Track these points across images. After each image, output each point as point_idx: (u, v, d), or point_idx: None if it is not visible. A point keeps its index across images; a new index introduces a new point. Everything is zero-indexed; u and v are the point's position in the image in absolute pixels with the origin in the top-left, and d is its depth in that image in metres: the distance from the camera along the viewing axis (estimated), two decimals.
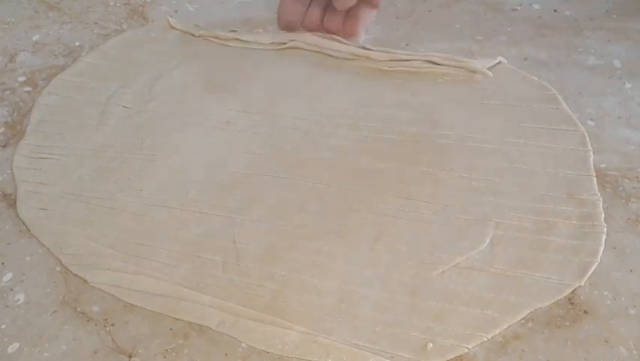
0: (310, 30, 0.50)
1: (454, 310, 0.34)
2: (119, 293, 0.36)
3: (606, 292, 0.35)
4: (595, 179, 0.40)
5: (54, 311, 0.35)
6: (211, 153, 0.43)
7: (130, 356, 0.33)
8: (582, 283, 0.35)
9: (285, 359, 0.33)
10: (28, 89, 0.49)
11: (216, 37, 0.52)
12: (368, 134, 0.44)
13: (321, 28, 0.50)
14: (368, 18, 0.50)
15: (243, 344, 0.34)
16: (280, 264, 0.37)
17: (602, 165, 0.42)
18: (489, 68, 0.47)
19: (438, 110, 0.45)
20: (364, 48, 0.49)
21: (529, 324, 0.34)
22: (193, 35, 0.53)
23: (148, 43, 0.53)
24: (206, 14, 0.56)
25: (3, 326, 0.35)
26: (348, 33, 0.50)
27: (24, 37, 0.54)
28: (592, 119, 0.45)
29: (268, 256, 0.37)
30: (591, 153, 0.42)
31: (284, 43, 0.51)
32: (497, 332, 0.34)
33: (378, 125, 0.45)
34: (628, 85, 0.47)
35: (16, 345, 0.34)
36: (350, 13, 0.49)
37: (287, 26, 0.51)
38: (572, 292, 0.35)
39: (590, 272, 0.36)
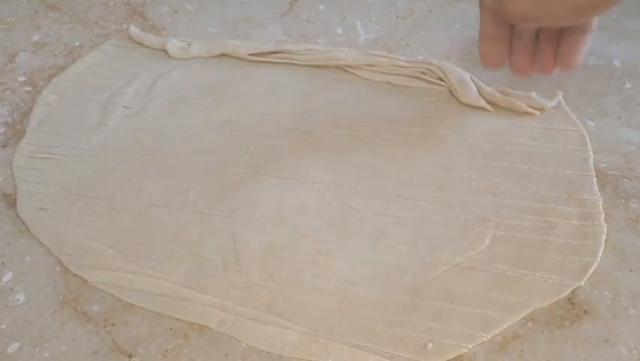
0: (518, 73, 0.41)
1: (454, 310, 0.34)
2: (119, 293, 0.36)
3: (606, 292, 0.35)
4: (595, 179, 0.40)
5: (54, 311, 0.35)
6: (211, 153, 0.43)
7: (130, 356, 0.33)
8: (582, 283, 0.35)
9: (285, 359, 0.33)
10: (28, 89, 0.49)
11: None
12: (368, 134, 0.44)
13: (533, 71, 0.41)
14: (585, 45, 0.41)
15: (243, 344, 0.34)
16: (280, 264, 0.37)
17: (602, 165, 0.42)
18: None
19: (438, 110, 0.45)
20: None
21: (529, 324, 0.34)
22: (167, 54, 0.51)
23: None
24: (206, 14, 0.56)
25: (3, 326, 0.35)
26: (566, 67, 0.41)
27: (24, 37, 0.54)
28: (592, 119, 0.45)
29: (268, 256, 0.37)
30: (591, 153, 0.42)
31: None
32: (497, 332, 0.34)
33: (378, 125, 0.44)
34: (628, 85, 0.47)
35: (16, 345, 0.34)
36: (562, 46, 0.40)
37: (492, 68, 0.42)
38: (572, 292, 0.35)
39: (590, 272, 0.36)
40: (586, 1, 0.34)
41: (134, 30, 0.52)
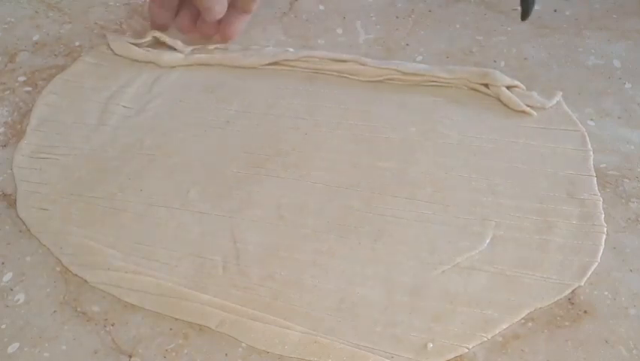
0: (183, 33, 0.50)
1: (454, 310, 0.34)
2: (119, 293, 0.36)
3: (606, 292, 0.35)
4: (595, 179, 0.40)
5: (54, 311, 0.35)
6: (211, 153, 0.43)
7: (130, 356, 0.33)
8: (582, 283, 0.35)
9: (285, 359, 0.33)
10: (28, 89, 0.49)
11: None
12: (368, 134, 0.44)
13: (195, 32, 0.50)
14: (242, 22, 0.51)
15: (243, 344, 0.34)
16: (280, 264, 0.37)
17: (602, 165, 0.42)
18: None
19: (438, 110, 0.45)
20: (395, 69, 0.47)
21: (529, 324, 0.34)
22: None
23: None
24: None
25: (3, 326, 0.35)
26: (224, 38, 0.50)
27: (24, 37, 0.54)
28: (592, 119, 0.45)
29: (268, 256, 0.37)
30: (591, 153, 0.42)
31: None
32: (497, 332, 0.34)
33: (378, 125, 0.44)
34: (628, 85, 0.47)
35: (16, 345, 0.34)
36: (224, 19, 0.49)
37: (157, 27, 0.51)
38: (572, 292, 0.35)
39: (590, 272, 0.36)
40: None
41: (114, 39, 0.51)
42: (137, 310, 0.35)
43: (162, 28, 0.51)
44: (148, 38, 0.51)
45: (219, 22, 0.49)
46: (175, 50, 0.50)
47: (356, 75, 0.48)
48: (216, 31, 0.50)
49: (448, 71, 0.47)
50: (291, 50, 0.50)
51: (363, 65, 0.48)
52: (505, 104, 0.45)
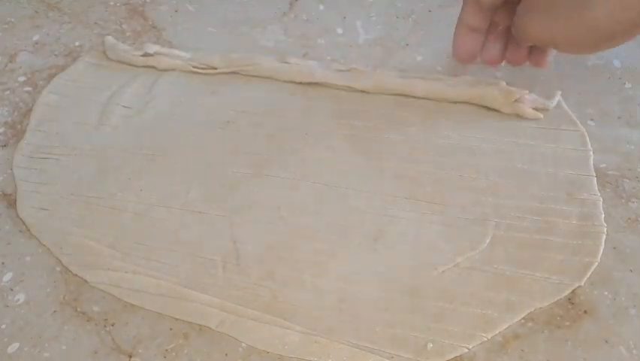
0: (490, 64, 0.44)
1: (454, 310, 0.34)
2: (119, 293, 0.36)
3: (606, 292, 0.35)
4: (595, 179, 0.40)
5: (54, 311, 0.35)
6: (211, 153, 0.43)
7: (130, 356, 0.33)
8: (582, 283, 0.35)
9: (285, 359, 0.33)
10: (28, 89, 0.49)
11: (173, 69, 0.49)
12: (368, 134, 0.44)
13: (501, 62, 0.44)
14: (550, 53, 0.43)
15: (243, 344, 0.34)
16: (280, 264, 0.37)
17: (602, 165, 0.42)
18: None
19: (438, 110, 0.45)
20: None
21: (529, 324, 0.34)
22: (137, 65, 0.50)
23: None
24: (206, 14, 0.56)
25: (3, 326, 0.35)
26: (539, 65, 0.43)
27: (24, 37, 0.54)
28: (592, 119, 0.45)
29: (268, 256, 0.37)
30: (591, 153, 0.42)
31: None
32: (497, 332, 0.34)
33: (378, 125, 0.44)
34: (628, 85, 0.47)
35: (16, 345, 0.34)
36: (535, 49, 0.43)
37: (463, 59, 0.45)
38: (572, 292, 0.35)
39: (590, 272, 0.36)
40: (604, 35, 0.36)
41: (110, 47, 0.51)
42: (137, 310, 0.35)
43: (467, 60, 0.44)
44: (145, 51, 0.50)
45: (530, 51, 0.43)
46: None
47: (358, 90, 0.47)
48: (526, 60, 0.43)
49: (452, 88, 0.45)
50: (289, 62, 0.48)
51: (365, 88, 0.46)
52: (520, 117, 0.44)
